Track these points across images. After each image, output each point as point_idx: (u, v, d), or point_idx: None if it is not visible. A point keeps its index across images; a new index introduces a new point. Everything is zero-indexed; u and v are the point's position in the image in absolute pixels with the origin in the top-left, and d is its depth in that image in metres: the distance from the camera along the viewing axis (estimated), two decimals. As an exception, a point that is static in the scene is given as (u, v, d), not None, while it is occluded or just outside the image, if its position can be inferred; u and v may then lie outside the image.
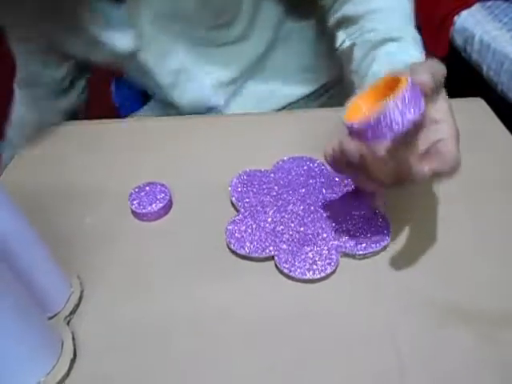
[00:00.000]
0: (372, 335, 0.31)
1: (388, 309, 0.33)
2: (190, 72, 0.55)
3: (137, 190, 0.42)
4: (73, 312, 0.34)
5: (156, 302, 0.35)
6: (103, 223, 0.41)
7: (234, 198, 0.41)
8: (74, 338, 0.32)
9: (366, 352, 0.30)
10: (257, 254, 0.36)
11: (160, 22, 0.50)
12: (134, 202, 0.41)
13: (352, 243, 0.36)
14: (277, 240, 0.37)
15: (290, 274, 0.34)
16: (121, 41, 0.51)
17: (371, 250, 0.36)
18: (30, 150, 0.52)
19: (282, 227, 0.38)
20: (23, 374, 0.29)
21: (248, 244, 0.37)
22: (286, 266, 0.35)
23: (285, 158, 0.45)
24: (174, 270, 0.37)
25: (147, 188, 0.42)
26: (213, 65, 0.56)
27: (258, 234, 0.37)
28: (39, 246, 0.31)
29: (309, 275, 0.34)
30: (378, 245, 0.36)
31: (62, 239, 0.40)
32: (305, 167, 0.43)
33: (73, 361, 0.31)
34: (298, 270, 0.34)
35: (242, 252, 0.36)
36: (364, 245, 0.36)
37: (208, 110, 0.59)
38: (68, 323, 0.33)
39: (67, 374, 0.30)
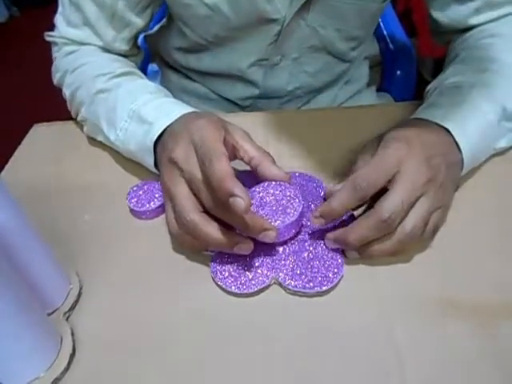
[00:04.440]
0: (370, 332, 0.32)
1: (385, 304, 0.33)
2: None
3: (135, 188, 0.43)
4: (72, 308, 0.34)
5: (155, 298, 0.35)
6: (102, 221, 0.42)
7: None
8: (73, 334, 0.32)
9: (364, 348, 0.31)
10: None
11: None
12: (133, 201, 0.41)
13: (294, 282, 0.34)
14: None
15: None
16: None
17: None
18: (30, 148, 0.53)
19: None
20: (23, 369, 0.29)
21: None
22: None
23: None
24: (173, 267, 0.37)
25: (145, 186, 0.43)
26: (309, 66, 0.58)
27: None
28: (38, 243, 0.32)
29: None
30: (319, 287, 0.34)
31: (61, 236, 0.40)
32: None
33: (72, 356, 0.31)
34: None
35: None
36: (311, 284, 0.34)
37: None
38: (67, 319, 0.34)
39: (66, 369, 0.31)
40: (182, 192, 0.35)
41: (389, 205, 0.32)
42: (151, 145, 0.40)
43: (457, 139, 0.37)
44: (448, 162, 0.36)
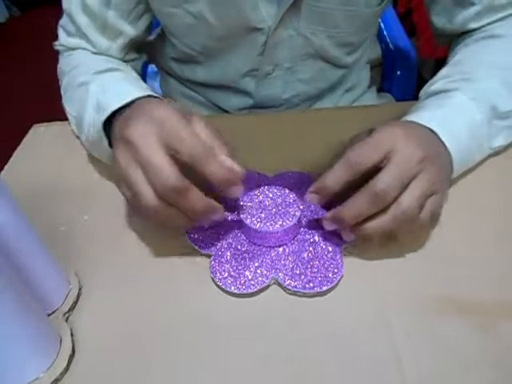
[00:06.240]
0: (369, 332, 0.32)
1: (385, 304, 0.33)
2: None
3: (135, 188, 0.43)
4: (71, 309, 0.34)
5: (154, 299, 0.35)
6: (102, 221, 0.42)
7: None
8: (72, 335, 0.32)
9: (364, 348, 0.31)
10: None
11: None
12: (132, 201, 0.41)
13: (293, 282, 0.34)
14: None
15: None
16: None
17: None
18: (30, 148, 0.53)
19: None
20: (22, 370, 0.29)
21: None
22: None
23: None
24: (172, 267, 0.37)
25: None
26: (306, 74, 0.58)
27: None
28: (38, 243, 0.32)
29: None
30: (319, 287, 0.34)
31: (61, 237, 0.40)
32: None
33: (71, 357, 0.31)
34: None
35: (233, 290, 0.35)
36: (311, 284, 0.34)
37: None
38: (67, 320, 0.34)
39: (66, 370, 0.30)
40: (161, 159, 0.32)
41: (382, 178, 0.32)
42: (100, 127, 0.40)
43: (442, 138, 0.37)
44: (438, 151, 0.36)
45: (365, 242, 0.36)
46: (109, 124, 0.40)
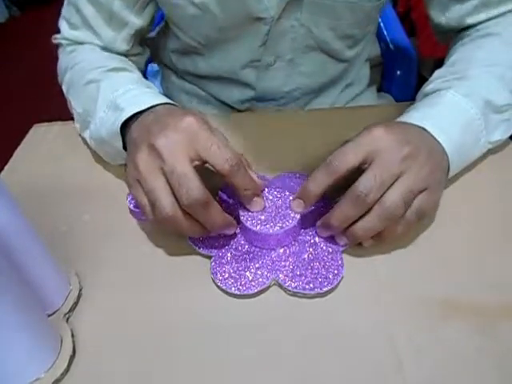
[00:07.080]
0: (370, 333, 0.32)
1: (385, 305, 0.33)
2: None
3: (135, 188, 0.43)
4: (72, 309, 0.34)
5: (155, 300, 0.35)
6: (102, 221, 0.42)
7: None
8: (73, 335, 0.32)
9: (364, 349, 0.31)
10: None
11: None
12: (132, 201, 0.41)
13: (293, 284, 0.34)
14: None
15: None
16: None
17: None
18: (30, 148, 0.53)
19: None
20: (23, 370, 0.29)
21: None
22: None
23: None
24: (173, 268, 0.37)
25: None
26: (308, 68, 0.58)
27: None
28: (38, 244, 0.32)
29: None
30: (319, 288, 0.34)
31: (61, 237, 0.40)
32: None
33: (72, 357, 0.31)
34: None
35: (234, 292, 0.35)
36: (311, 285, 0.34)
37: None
38: (67, 320, 0.34)
39: (66, 371, 0.31)
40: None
41: (361, 180, 0.33)
42: (117, 129, 0.40)
43: (435, 136, 0.37)
44: (430, 149, 0.36)
45: (358, 245, 0.36)
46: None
